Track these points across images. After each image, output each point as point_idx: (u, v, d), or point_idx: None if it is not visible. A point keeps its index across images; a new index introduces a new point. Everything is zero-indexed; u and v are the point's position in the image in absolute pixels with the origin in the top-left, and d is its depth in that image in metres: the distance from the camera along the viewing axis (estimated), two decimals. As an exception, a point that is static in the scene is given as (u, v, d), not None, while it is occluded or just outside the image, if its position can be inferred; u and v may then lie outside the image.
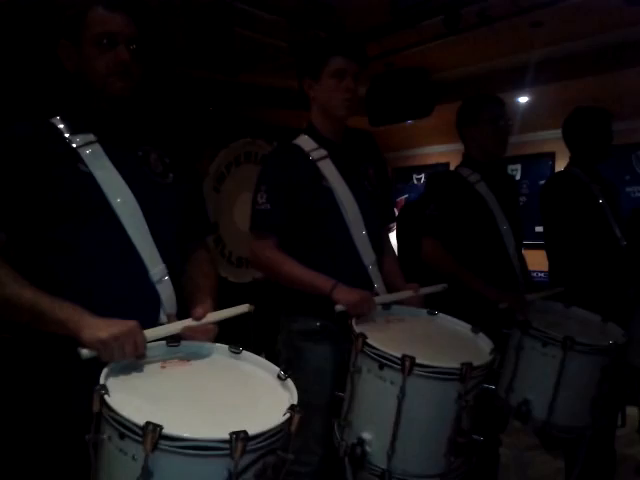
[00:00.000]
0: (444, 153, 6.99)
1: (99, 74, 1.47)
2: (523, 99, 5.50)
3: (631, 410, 3.24)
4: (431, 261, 2.57)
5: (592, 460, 2.58)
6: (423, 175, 7.51)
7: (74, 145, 1.47)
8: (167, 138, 1.68)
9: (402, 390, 1.59)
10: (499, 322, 2.22)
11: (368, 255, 2.07)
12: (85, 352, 1.27)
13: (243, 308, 1.53)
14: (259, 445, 1.12)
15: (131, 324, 1.31)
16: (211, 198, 4.54)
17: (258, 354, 1.46)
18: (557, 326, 2.24)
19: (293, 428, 1.20)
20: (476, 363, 1.63)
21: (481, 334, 1.90)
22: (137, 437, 1.08)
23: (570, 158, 3.02)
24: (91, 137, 1.49)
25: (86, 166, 1.45)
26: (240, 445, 1.08)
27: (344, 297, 1.88)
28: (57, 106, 1.53)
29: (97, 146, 1.48)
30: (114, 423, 1.13)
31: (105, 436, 1.15)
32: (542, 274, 5.11)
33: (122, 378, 1.28)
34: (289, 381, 1.34)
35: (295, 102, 2.39)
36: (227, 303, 1.55)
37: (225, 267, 4.63)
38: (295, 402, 1.24)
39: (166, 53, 4.12)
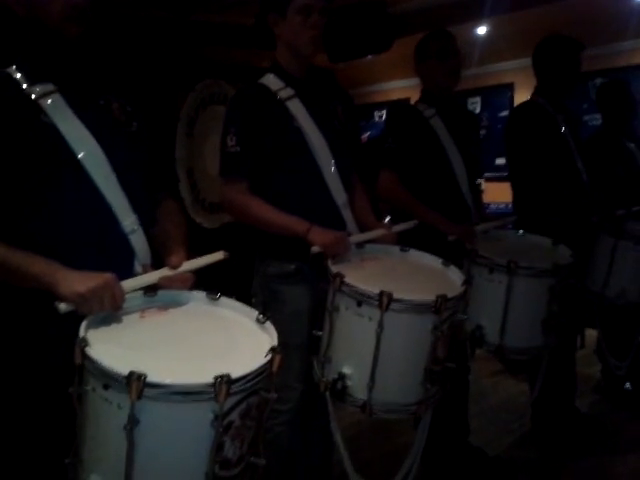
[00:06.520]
0: (405, 88, 6.89)
1: (54, 18, 1.40)
2: (481, 30, 5.45)
3: (590, 332, 3.39)
4: (385, 193, 2.58)
5: (554, 380, 2.72)
6: (385, 112, 7.43)
7: (33, 96, 1.41)
8: (128, 85, 1.63)
9: (380, 325, 1.64)
10: (451, 254, 2.27)
11: (340, 195, 2.06)
12: (63, 306, 1.27)
13: (218, 255, 1.53)
14: (243, 387, 1.16)
15: (107, 276, 1.30)
16: (185, 143, 4.45)
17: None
18: (506, 253, 2.28)
19: (274, 369, 1.23)
20: (450, 295, 1.69)
21: (452, 267, 1.95)
22: (121, 386, 1.10)
23: (536, 88, 3.03)
24: (50, 87, 1.43)
25: (48, 117, 1.41)
26: (224, 388, 1.11)
27: (319, 238, 1.88)
28: (11, 55, 1.47)
29: (57, 96, 1.43)
30: (97, 374, 1.14)
31: (89, 387, 1.17)
32: (502, 206, 5.21)
33: (102, 330, 1.28)
34: (268, 323, 1.37)
35: (251, 40, 2.32)
36: (200, 249, 1.56)
37: (200, 213, 4.59)
38: (275, 344, 1.28)
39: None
